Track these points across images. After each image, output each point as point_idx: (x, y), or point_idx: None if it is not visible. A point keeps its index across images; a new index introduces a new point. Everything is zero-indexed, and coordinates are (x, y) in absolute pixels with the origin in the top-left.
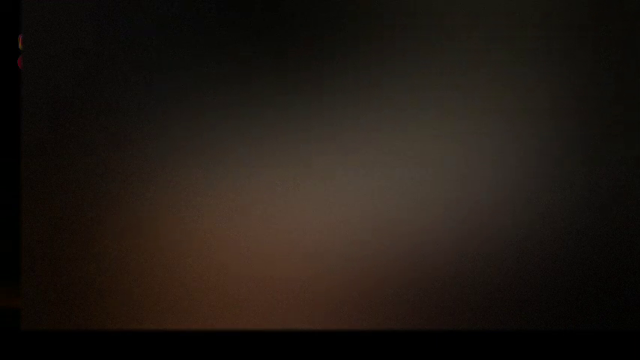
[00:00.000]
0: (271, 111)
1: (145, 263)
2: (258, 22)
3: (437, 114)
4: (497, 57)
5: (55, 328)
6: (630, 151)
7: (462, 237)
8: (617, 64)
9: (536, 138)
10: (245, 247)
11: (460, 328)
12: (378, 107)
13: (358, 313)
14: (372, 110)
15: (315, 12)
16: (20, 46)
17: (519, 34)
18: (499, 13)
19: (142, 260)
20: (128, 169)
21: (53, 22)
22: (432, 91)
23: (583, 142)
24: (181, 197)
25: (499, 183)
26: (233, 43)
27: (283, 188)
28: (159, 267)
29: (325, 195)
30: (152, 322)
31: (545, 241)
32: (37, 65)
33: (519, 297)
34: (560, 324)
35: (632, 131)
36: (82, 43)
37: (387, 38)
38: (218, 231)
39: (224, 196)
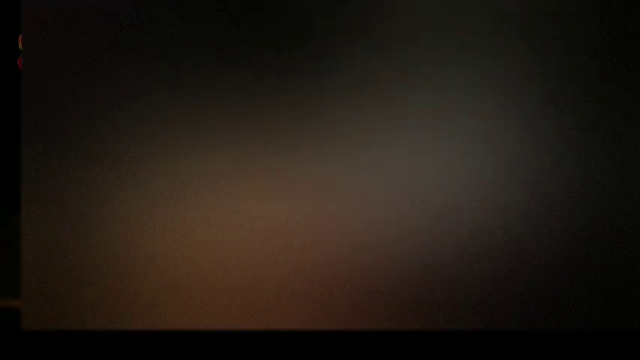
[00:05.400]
0: (272, 112)
1: (145, 264)
2: (258, 23)
3: (436, 114)
4: (495, 56)
5: (55, 328)
6: (631, 150)
7: (461, 237)
8: (616, 63)
9: (536, 138)
10: (245, 248)
11: (460, 328)
12: (377, 107)
13: (357, 313)
14: (371, 110)
15: (314, 11)
16: (20, 46)
17: (517, 33)
18: (496, 14)
19: (142, 261)
20: (129, 169)
21: (53, 22)
22: (430, 90)
23: (582, 141)
24: (182, 198)
25: (498, 183)
26: (232, 45)
27: (283, 189)
28: (159, 268)
29: (324, 196)
30: (152, 322)
31: (545, 241)
32: (37, 65)
33: (519, 297)
34: (559, 324)
35: (633, 130)
36: (82, 43)
37: (384, 37)
38: (219, 232)
39: (223, 196)
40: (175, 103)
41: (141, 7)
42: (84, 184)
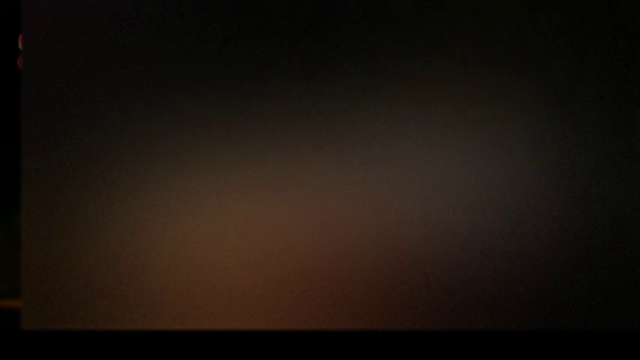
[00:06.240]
0: (273, 112)
1: (145, 263)
2: (258, 23)
3: (436, 115)
4: (495, 57)
5: (55, 328)
6: (631, 150)
7: (461, 237)
8: (616, 63)
9: (536, 138)
10: (245, 248)
11: (460, 328)
12: (378, 109)
13: (357, 313)
14: (372, 112)
15: (316, 12)
16: (20, 46)
17: (516, 35)
18: (496, 14)
19: (142, 260)
20: (129, 169)
21: (53, 22)
22: (431, 91)
23: (582, 141)
24: (182, 198)
25: (498, 183)
26: (233, 45)
27: (283, 189)
28: (159, 268)
29: (324, 196)
30: (152, 322)
31: (545, 241)
32: (37, 65)
33: (519, 297)
34: (559, 324)
35: (633, 130)
36: (82, 43)
37: (388, 38)
38: (219, 232)
39: (224, 196)
40: (175, 103)
41: (141, 7)
42: (84, 184)
